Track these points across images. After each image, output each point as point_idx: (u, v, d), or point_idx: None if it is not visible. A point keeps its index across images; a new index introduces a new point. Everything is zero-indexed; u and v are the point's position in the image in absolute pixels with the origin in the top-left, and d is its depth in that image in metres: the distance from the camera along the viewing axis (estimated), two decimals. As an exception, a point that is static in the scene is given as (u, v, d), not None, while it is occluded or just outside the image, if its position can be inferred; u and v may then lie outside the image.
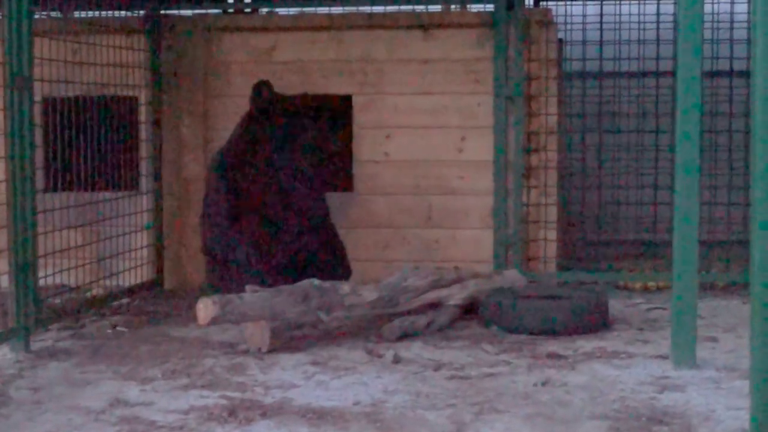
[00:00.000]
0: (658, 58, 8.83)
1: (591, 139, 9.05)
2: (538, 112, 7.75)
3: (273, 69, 7.87)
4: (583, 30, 8.90)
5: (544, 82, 7.71)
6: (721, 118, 8.87)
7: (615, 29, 8.87)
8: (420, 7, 8.20)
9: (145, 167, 7.88)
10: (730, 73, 8.87)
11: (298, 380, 5.35)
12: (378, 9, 8.15)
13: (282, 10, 8.70)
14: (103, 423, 4.71)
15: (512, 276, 7.13)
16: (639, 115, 8.99)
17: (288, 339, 6.04)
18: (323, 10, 8.12)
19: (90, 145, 7.08)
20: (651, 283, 7.80)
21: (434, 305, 6.56)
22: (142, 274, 7.72)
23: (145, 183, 7.89)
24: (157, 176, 7.89)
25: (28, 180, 6.04)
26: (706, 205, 8.25)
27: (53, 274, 6.74)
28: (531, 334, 6.26)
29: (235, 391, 5.17)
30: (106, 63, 7.26)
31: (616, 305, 7.08)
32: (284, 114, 6.94)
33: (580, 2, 8.96)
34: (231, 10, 8.46)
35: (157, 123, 7.89)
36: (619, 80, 8.99)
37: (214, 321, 5.76)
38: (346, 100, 7.93)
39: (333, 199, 7.55)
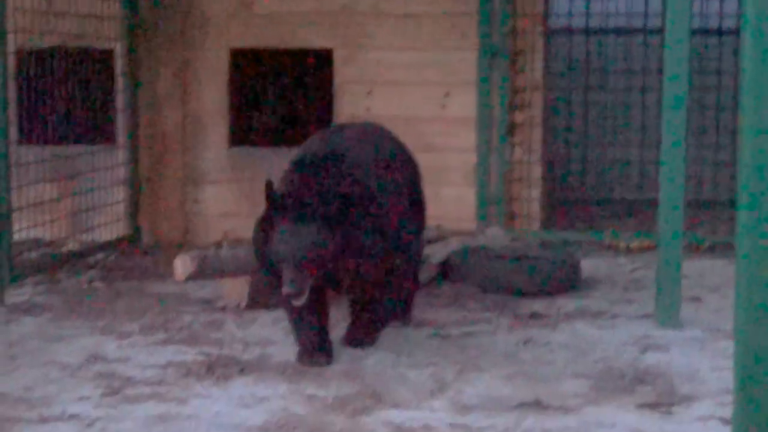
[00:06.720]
0: (646, 14, 8.74)
1: (577, 97, 8.97)
2: (523, 68, 7.63)
3: (252, 21, 7.73)
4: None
5: (530, 38, 7.59)
6: (709, 76, 8.79)
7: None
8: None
9: (121, 121, 7.73)
10: (720, 31, 8.79)
11: (277, 337, 5.28)
12: (362, -39, 8.00)
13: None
14: (80, 378, 4.64)
15: (495, 234, 7.03)
16: (626, 72, 8.91)
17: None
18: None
19: (65, 97, 6.95)
20: (636, 243, 7.73)
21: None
22: (119, 229, 7.60)
23: (121, 137, 7.75)
24: (133, 130, 7.75)
25: (2, 133, 5.92)
26: (693, 164, 8.18)
27: (27, 228, 6.63)
28: (495, 293, 6.11)
29: (213, 347, 5.09)
30: (81, 14, 7.11)
31: (600, 265, 7.00)
32: None
33: (568, -44, 8.86)
34: (211, -39, 8.28)
35: (133, 76, 7.73)
36: (606, 37, 8.91)
37: (191, 277, 5.67)
38: (327, 53, 7.80)
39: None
